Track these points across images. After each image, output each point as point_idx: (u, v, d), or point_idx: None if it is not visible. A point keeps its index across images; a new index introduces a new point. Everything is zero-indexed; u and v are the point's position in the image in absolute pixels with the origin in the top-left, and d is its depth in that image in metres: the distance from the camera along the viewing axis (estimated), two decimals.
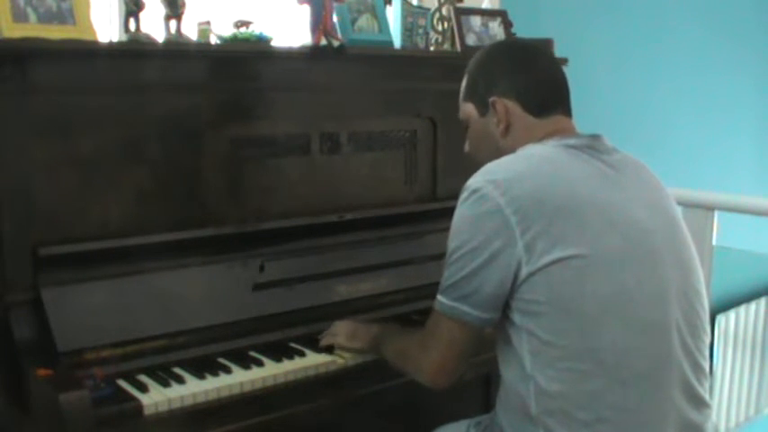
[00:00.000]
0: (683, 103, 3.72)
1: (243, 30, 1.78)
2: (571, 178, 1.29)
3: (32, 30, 1.48)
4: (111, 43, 1.69)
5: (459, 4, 2.23)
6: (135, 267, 1.59)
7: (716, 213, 2.63)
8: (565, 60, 2.16)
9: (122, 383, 1.46)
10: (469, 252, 1.27)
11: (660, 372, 1.26)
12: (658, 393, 1.25)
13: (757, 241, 3.34)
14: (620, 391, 1.23)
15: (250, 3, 2.25)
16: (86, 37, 1.55)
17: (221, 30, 1.79)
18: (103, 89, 1.61)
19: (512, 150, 1.39)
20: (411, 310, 1.88)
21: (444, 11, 2.23)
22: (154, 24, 1.71)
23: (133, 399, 1.40)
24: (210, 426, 1.46)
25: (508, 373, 1.32)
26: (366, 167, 2.02)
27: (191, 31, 1.76)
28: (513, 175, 1.29)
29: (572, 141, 1.35)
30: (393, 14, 2.13)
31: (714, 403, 2.90)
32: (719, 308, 2.88)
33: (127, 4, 1.67)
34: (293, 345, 1.67)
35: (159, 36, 1.70)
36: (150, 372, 1.51)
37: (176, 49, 1.70)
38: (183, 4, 1.71)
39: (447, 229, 1.33)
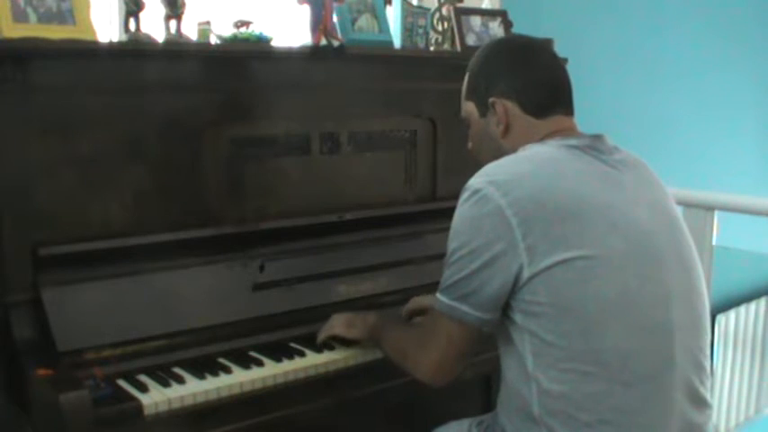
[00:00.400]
0: (683, 103, 3.72)
1: (243, 30, 1.78)
2: (572, 179, 1.29)
3: (32, 30, 1.48)
4: (111, 43, 1.68)
5: (459, 4, 2.23)
6: (135, 267, 1.60)
7: (716, 213, 2.63)
8: (565, 60, 2.16)
9: (122, 383, 1.45)
10: (469, 253, 1.26)
11: (663, 373, 1.26)
12: (661, 395, 1.25)
13: (757, 241, 3.34)
14: (623, 392, 1.22)
15: (250, 3, 2.25)
16: (86, 37, 1.55)
17: (221, 30, 1.79)
18: (103, 89, 1.61)
19: (512, 150, 1.39)
20: None
21: (444, 11, 2.23)
22: (154, 24, 1.72)
23: (133, 399, 1.40)
24: (210, 426, 1.46)
25: (510, 374, 1.32)
26: (366, 167, 2.02)
27: (191, 31, 1.76)
28: (515, 176, 1.28)
29: (573, 142, 1.35)
30: (393, 14, 2.13)
31: (714, 403, 2.90)
32: (719, 308, 2.88)
33: (127, 4, 1.67)
34: (293, 345, 1.66)
35: (159, 36, 1.70)
36: (150, 372, 1.51)
37: (176, 49, 1.70)
38: (183, 4, 1.71)
39: (447, 229, 1.33)
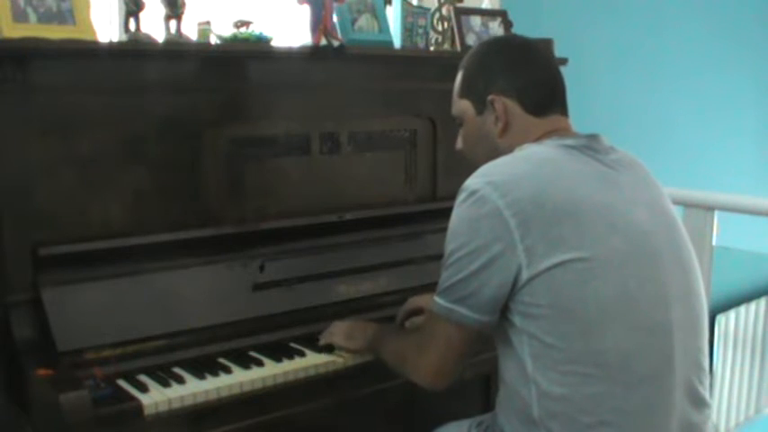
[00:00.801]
0: (683, 103, 3.72)
1: (243, 30, 1.78)
2: (570, 180, 1.28)
3: (32, 30, 1.48)
4: (111, 43, 1.68)
5: (459, 4, 2.23)
6: (135, 267, 1.60)
7: (716, 213, 2.63)
8: (565, 60, 2.16)
9: (122, 383, 1.45)
10: (468, 255, 1.26)
11: (663, 373, 1.25)
12: (661, 395, 1.25)
13: (757, 241, 3.34)
14: (623, 393, 1.22)
15: (250, 3, 2.25)
16: (86, 37, 1.55)
17: (221, 30, 1.79)
18: (103, 89, 1.61)
19: (509, 150, 1.38)
20: None
21: (444, 11, 2.23)
22: (154, 24, 1.72)
23: (133, 399, 1.40)
24: (210, 426, 1.46)
25: (508, 376, 1.31)
26: (366, 167, 2.02)
27: (191, 31, 1.76)
28: (513, 177, 1.27)
29: (570, 141, 1.34)
30: (393, 14, 2.13)
31: (714, 403, 2.90)
32: (719, 308, 2.88)
33: (127, 4, 1.67)
34: (293, 345, 1.67)
35: (159, 36, 1.70)
36: (150, 372, 1.51)
37: (176, 49, 1.70)
38: (183, 4, 1.71)
39: (447, 229, 1.33)
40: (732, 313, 2.94)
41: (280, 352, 1.61)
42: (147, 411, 1.38)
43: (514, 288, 1.24)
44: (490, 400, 1.91)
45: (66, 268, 1.53)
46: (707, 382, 1.34)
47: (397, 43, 2.10)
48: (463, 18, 2.19)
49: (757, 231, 3.35)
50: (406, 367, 1.40)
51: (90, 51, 1.56)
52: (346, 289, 1.83)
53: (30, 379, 1.42)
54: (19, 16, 1.48)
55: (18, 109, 1.50)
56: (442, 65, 2.13)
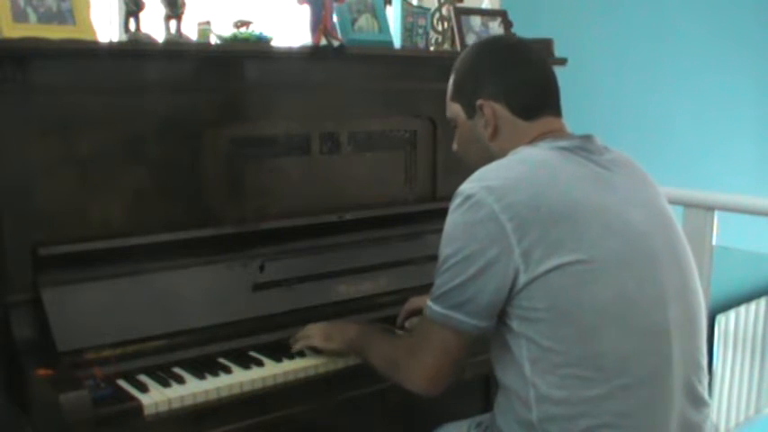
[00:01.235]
0: (683, 103, 3.72)
1: (243, 30, 1.78)
2: (566, 183, 1.27)
3: (32, 30, 1.48)
4: (111, 43, 1.68)
5: (459, 4, 2.23)
6: (135, 267, 1.60)
7: (716, 213, 2.63)
8: (564, 60, 2.17)
9: (122, 383, 1.46)
10: (464, 260, 1.24)
11: (662, 374, 1.25)
12: (661, 397, 1.25)
13: (757, 241, 3.34)
14: (623, 396, 1.22)
15: (250, 3, 2.25)
16: (86, 37, 1.55)
17: (221, 30, 1.79)
18: (103, 89, 1.61)
19: (501, 153, 1.37)
20: None
21: (444, 11, 2.23)
22: (154, 24, 1.72)
23: (133, 399, 1.40)
24: (210, 426, 1.46)
25: (506, 379, 1.30)
26: (366, 167, 2.02)
27: (191, 31, 1.76)
28: (508, 180, 1.26)
29: (564, 143, 1.33)
30: (393, 14, 2.13)
31: (714, 403, 2.90)
32: (719, 308, 2.88)
33: (127, 4, 1.67)
34: None
35: (159, 36, 1.70)
36: (150, 372, 1.51)
37: (176, 49, 1.70)
38: (183, 4, 1.71)
39: None
40: (732, 313, 2.94)
41: (280, 352, 1.61)
42: (147, 411, 1.38)
43: (512, 292, 1.23)
44: (490, 400, 1.91)
45: (66, 268, 1.53)
46: (706, 382, 1.34)
47: (397, 43, 2.10)
48: (463, 18, 2.19)
49: (757, 231, 3.35)
50: (398, 372, 1.37)
51: (90, 51, 1.56)
52: (346, 289, 1.83)
53: (30, 379, 1.42)
54: (19, 16, 1.48)
55: (18, 109, 1.50)
56: (442, 65, 2.12)
